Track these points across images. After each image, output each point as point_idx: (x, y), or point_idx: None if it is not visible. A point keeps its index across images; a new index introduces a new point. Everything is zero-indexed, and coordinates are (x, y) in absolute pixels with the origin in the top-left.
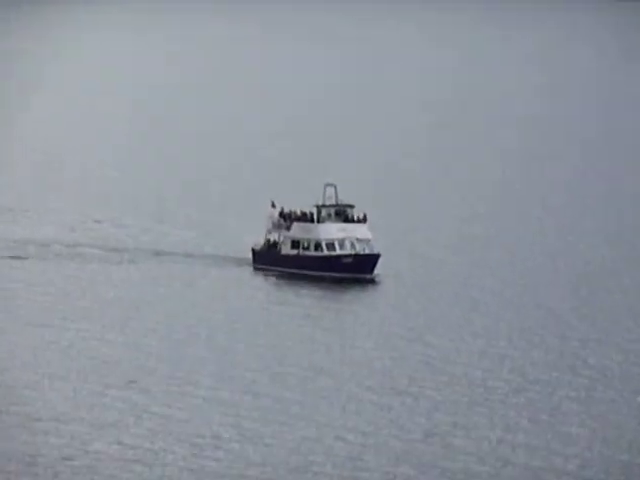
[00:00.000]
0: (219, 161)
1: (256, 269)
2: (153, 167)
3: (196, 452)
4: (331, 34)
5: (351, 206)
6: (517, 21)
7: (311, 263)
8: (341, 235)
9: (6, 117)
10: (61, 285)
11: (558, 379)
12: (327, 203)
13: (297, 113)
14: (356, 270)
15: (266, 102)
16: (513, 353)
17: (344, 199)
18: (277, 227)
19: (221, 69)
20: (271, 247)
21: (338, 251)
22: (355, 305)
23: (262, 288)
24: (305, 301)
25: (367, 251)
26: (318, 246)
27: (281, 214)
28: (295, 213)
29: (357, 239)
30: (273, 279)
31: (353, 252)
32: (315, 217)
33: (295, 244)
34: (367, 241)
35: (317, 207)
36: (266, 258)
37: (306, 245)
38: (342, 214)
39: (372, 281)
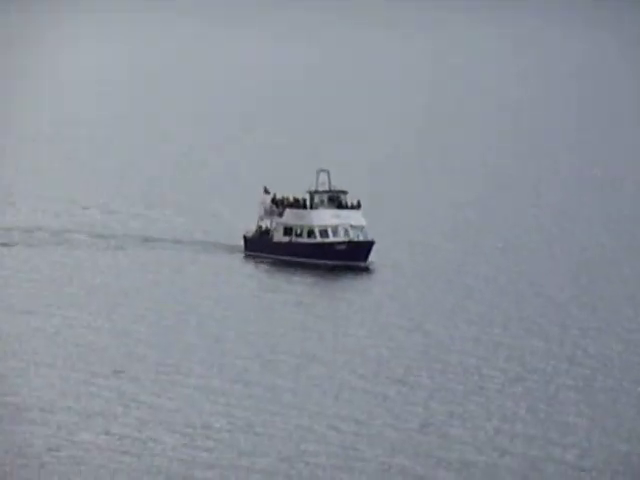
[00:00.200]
0: (211, 144)
1: (247, 256)
2: (143, 150)
3: (186, 442)
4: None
5: (344, 192)
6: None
7: (303, 250)
8: (335, 222)
9: None
10: (47, 272)
11: (557, 368)
12: (320, 189)
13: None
14: (350, 258)
15: (262, 85)
16: (511, 342)
17: (337, 185)
18: (269, 214)
19: (215, 59)
20: (263, 234)
21: (331, 238)
22: (348, 292)
23: (253, 275)
24: (297, 288)
25: (361, 238)
26: (311, 233)
27: (273, 200)
28: (288, 199)
29: (351, 226)
30: (264, 266)
31: (347, 239)
32: (308, 203)
33: (287, 231)
34: (361, 228)
35: (310, 193)
36: (258, 245)
37: (299, 232)
38: (335, 200)
39: (366, 269)
